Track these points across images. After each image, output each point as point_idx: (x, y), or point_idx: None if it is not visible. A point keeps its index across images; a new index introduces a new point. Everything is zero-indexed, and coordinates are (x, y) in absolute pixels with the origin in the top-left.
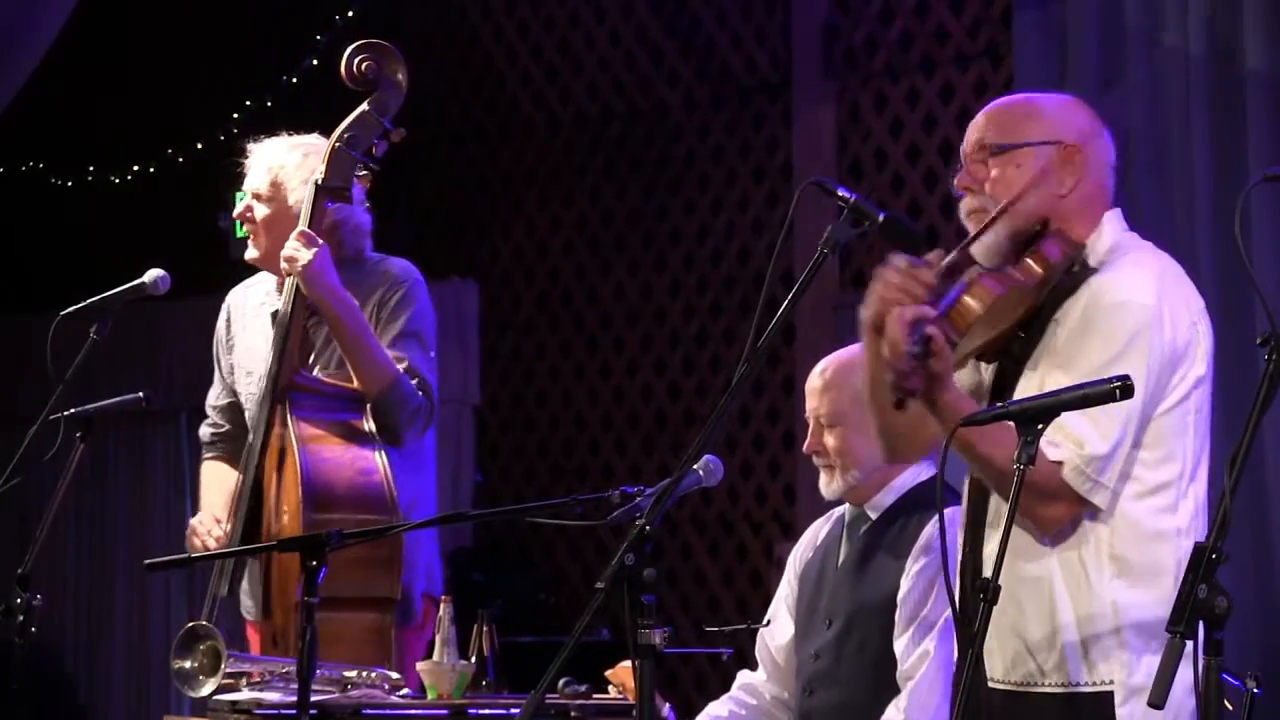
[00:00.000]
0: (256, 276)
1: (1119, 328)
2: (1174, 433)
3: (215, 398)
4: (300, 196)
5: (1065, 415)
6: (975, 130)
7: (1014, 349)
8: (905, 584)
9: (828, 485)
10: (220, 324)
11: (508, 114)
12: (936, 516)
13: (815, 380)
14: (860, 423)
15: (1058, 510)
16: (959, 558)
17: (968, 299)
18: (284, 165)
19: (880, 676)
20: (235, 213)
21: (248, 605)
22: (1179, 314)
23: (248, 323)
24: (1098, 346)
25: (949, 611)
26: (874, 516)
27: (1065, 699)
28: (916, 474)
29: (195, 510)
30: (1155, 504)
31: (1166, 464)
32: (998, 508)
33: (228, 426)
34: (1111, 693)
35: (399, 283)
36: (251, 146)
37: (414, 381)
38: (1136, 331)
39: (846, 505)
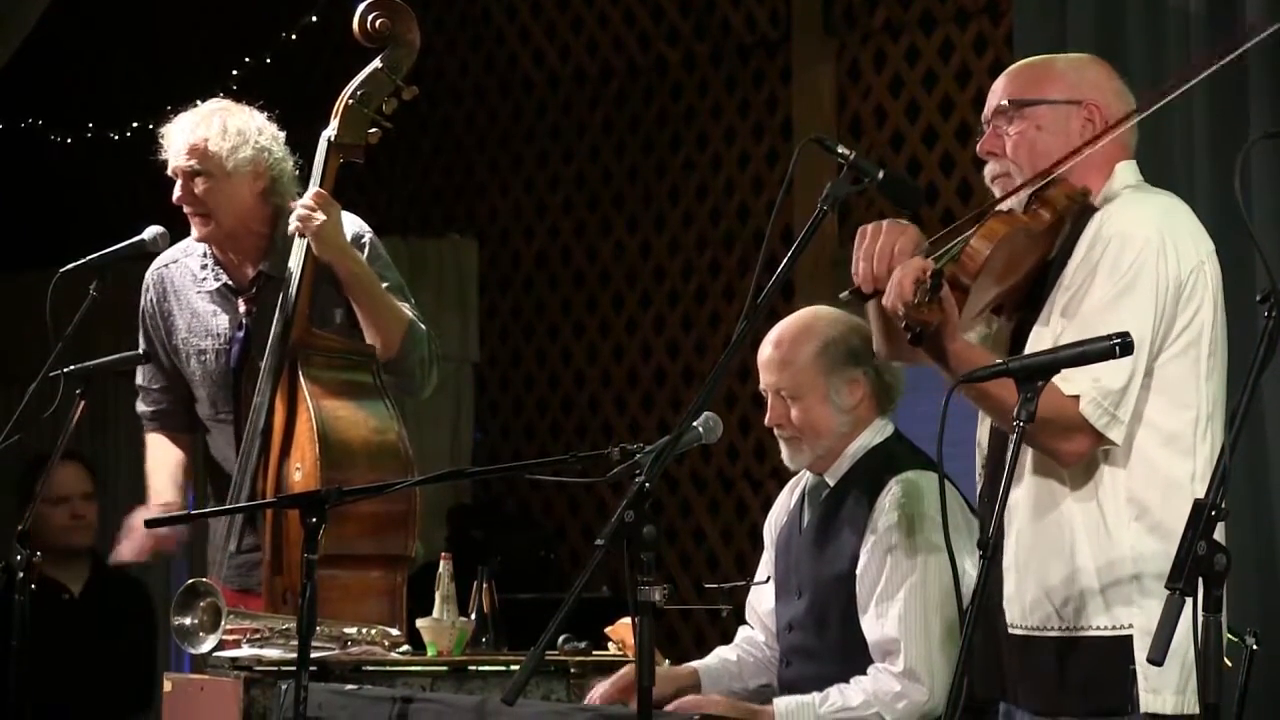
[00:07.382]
0: (175, 251)
1: (1123, 260)
2: (1186, 378)
3: (147, 379)
4: (240, 159)
5: None
6: (994, 94)
7: (1028, 303)
8: (863, 559)
9: (794, 457)
10: (148, 302)
11: (506, 71)
12: (890, 485)
13: (770, 354)
14: (822, 391)
15: (1077, 444)
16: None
17: (975, 242)
18: (206, 136)
19: (850, 651)
20: (175, 198)
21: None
22: (1184, 248)
23: (185, 299)
24: (1103, 280)
25: (914, 576)
26: (831, 484)
27: (1084, 642)
28: (871, 437)
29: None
30: (1171, 450)
31: (1180, 410)
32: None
33: (164, 404)
34: (1130, 636)
35: (360, 236)
36: (163, 130)
37: (422, 327)
38: (1141, 264)
39: (808, 472)
